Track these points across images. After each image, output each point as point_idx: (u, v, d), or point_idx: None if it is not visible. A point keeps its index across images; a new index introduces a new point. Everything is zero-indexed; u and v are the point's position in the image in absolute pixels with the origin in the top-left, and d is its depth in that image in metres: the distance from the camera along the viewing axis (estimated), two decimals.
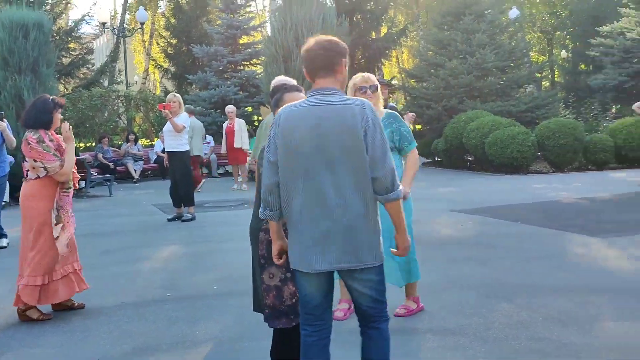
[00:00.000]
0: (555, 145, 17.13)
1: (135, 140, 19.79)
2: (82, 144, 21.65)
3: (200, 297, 6.40)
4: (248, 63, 23.91)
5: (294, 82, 5.22)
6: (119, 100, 22.84)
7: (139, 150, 19.40)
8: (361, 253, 3.27)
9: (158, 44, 33.64)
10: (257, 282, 4.06)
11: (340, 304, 5.58)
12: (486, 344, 4.83)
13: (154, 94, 28.07)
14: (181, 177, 10.97)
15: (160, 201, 13.37)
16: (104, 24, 26.01)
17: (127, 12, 35.55)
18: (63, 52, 24.22)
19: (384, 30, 27.18)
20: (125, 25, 30.20)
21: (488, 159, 17.57)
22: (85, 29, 30.25)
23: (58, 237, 5.71)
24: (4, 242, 9.04)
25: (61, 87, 24.10)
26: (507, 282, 6.50)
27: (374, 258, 3.30)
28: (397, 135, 5.36)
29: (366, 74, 5.48)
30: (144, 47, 39.27)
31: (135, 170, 18.65)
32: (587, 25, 30.33)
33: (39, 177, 5.71)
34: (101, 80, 26.03)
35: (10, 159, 9.62)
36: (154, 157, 19.06)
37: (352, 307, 5.44)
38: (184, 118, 10.84)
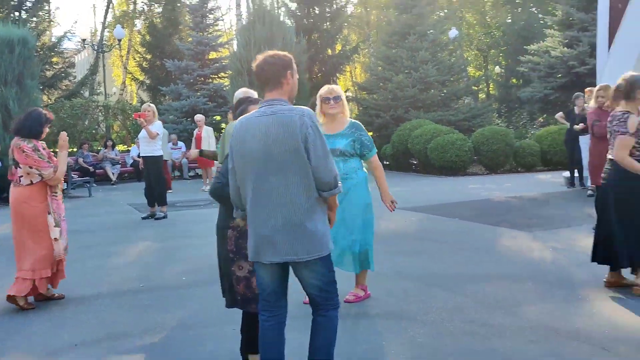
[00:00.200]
0: (489, 150, 17.34)
1: (113, 146, 19.60)
2: None
3: (171, 287, 6.37)
4: (216, 76, 23.90)
5: (255, 94, 5.27)
6: (99, 110, 22.65)
7: (116, 155, 19.21)
8: (307, 246, 3.29)
9: (134, 58, 33.24)
10: (223, 274, 4.09)
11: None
12: (425, 326, 4.89)
13: (130, 104, 27.76)
14: (155, 179, 10.92)
15: (135, 201, 13.25)
16: (84, 40, 25.69)
17: (106, 29, 35.14)
18: (46, 66, 23.86)
19: (338, 47, 27.18)
20: (104, 42, 29.91)
21: (430, 162, 17.69)
22: (67, 44, 30.01)
23: (57, 238, 5.75)
24: None
25: (45, 98, 23.66)
26: (445, 272, 6.57)
27: (319, 251, 3.32)
28: (359, 143, 5.37)
29: (331, 86, 5.51)
30: (122, 62, 38.74)
31: (113, 173, 18.44)
32: (517, 44, 30.76)
33: (32, 182, 5.72)
34: (82, 92, 25.64)
35: None
36: (130, 161, 18.91)
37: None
38: (157, 126, 10.78)
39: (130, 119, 22.00)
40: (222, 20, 40.90)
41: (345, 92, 29.41)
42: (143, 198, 11.35)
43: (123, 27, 30.78)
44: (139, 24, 37.34)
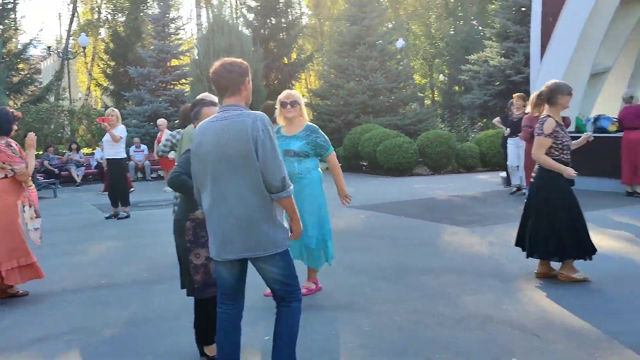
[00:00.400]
0: (433, 153, 17.51)
1: (78, 149, 19.19)
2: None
3: (132, 283, 6.28)
4: (177, 83, 23.73)
5: (215, 98, 5.24)
6: (64, 114, 22.29)
7: (80, 158, 18.82)
8: (262, 243, 3.28)
9: (98, 65, 32.73)
10: (182, 265, 4.08)
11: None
12: (372, 317, 4.92)
13: (95, 108, 27.24)
14: (118, 180, 10.78)
15: (99, 201, 13.07)
16: (49, 47, 25.18)
17: (71, 37, 34.40)
18: (13, 72, 23.44)
19: (294, 56, 27.16)
20: (69, 49, 29.29)
21: (379, 164, 17.79)
22: (34, 51, 29.27)
23: (38, 228, 5.71)
24: None
25: (11, 103, 23.17)
26: (390, 265, 6.61)
27: (274, 247, 3.31)
28: (313, 145, 5.38)
29: (289, 91, 5.52)
30: (86, 68, 38.03)
31: (77, 175, 18.09)
32: (459, 54, 31.16)
33: (6, 176, 5.62)
34: (47, 97, 25.16)
35: None
36: (94, 163, 18.55)
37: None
38: (121, 130, 10.64)
39: (94, 123, 21.67)
40: (183, 29, 40.67)
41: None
42: (106, 198, 11.18)
43: (87, 36, 30.30)
44: (103, 32, 36.73)
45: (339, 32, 24.82)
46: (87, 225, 10.30)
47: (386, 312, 5.03)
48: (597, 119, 12.37)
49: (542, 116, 5.69)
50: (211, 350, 4.08)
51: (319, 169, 5.56)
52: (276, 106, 5.54)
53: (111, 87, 29.55)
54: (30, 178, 5.90)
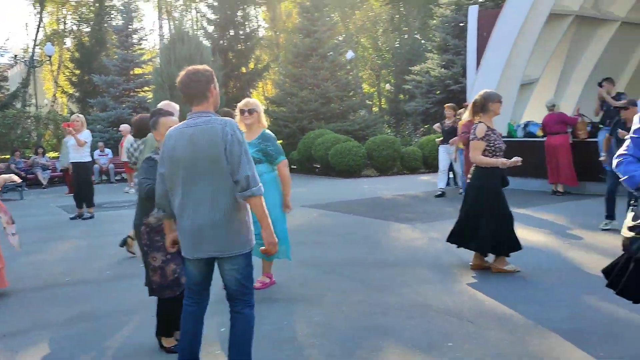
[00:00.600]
0: (380, 156, 17.60)
1: (44, 153, 18.67)
2: None
3: (95, 281, 6.13)
4: (140, 90, 23.35)
5: (176, 106, 5.20)
6: (30, 120, 21.71)
7: (47, 161, 18.32)
8: (228, 243, 3.22)
9: (64, 73, 32.02)
10: (146, 268, 4.03)
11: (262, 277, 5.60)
12: (321, 308, 4.94)
13: (60, 114, 26.62)
14: (83, 182, 10.56)
15: (64, 203, 12.75)
16: (16, 56, 24.45)
17: (37, 46, 33.46)
18: None
19: (251, 65, 27.02)
20: (35, 58, 28.54)
21: (331, 166, 17.81)
22: (1, 60, 28.33)
23: (15, 233, 5.51)
24: None
25: None
26: (340, 260, 6.64)
27: (240, 247, 3.26)
28: (264, 152, 5.33)
29: (248, 100, 5.50)
30: (52, 76, 37.07)
31: (43, 178, 17.62)
32: (403, 65, 31.48)
33: None
34: (14, 103, 24.45)
35: None
36: (60, 166, 18.10)
37: (271, 280, 5.54)
38: (85, 134, 10.40)
39: (60, 128, 21.18)
40: (146, 40, 39.99)
41: None
42: (71, 200, 10.93)
43: (53, 45, 29.51)
44: (68, 41, 35.87)
45: (293, 44, 24.78)
46: (53, 226, 10.02)
47: (335, 303, 5.05)
48: (526, 124, 12.71)
49: (476, 122, 5.82)
50: (168, 342, 4.05)
51: (275, 172, 5.50)
52: (235, 113, 5.49)
53: (76, 94, 28.90)
54: None
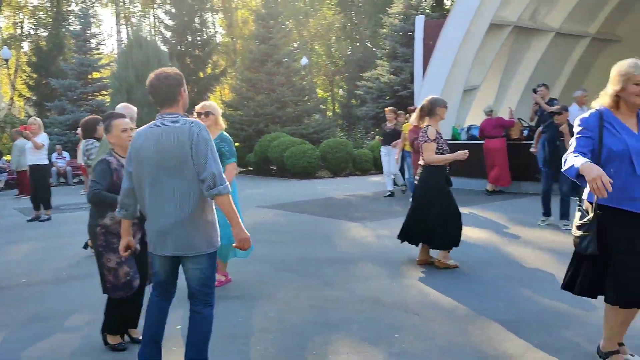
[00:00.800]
0: (333, 158, 17.66)
1: (0, 156, 18.04)
2: None
3: (52, 282, 5.95)
4: (98, 94, 22.74)
5: (134, 109, 5.12)
6: None
7: (3, 164, 17.69)
8: (193, 243, 3.16)
9: (21, 77, 30.97)
10: (100, 266, 3.95)
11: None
12: (276, 303, 4.93)
13: (18, 118, 25.74)
14: (40, 185, 10.23)
15: (21, 205, 12.34)
16: None
17: None
18: None
19: (209, 70, 26.82)
20: None
21: (286, 168, 17.78)
22: None
23: None
24: None
25: None
26: (294, 257, 6.65)
27: (205, 248, 3.19)
28: (219, 152, 5.30)
29: (204, 103, 5.48)
30: (9, 80, 35.80)
31: (0, 181, 17.03)
32: (355, 72, 31.64)
33: None
34: None
35: None
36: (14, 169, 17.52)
37: (226, 279, 5.44)
38: (43, 137, 10.07)
39: (18, 131, 20.45)
40: (104, 44, 39.08)
41: None
42: (28, 202, 10.58)
43: (10, 49, 28.51)
44: (25, 46, 34.74)
45: (249, 50, 24.66)
46: (10, 228, 9.67)
47: (289, 299, 5.05)
48: (469, 128, 12.99)
49: (425, 126, 5.91)
50: (114, 339, 4.01)
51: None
52: (193, 117, 5.44)
53: (34, 97, 28.04)
54: None
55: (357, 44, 37.62)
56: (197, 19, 25.88)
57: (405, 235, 6.12)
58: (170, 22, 25.60)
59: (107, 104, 20.73)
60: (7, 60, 24.82)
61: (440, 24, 14.20)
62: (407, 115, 11.98)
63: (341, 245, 7.33)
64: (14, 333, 4.43)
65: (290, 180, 17.07)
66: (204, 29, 26.24)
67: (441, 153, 5.81)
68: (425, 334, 4.11)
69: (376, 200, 11.51)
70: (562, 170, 3.22)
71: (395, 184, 12.64)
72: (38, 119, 10.51)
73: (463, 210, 8.97)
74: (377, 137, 15.23)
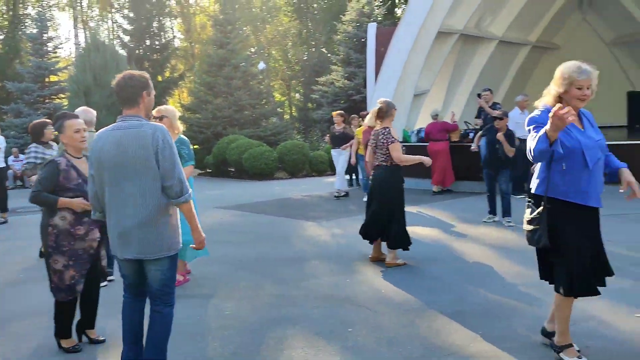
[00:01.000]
0: (290, 160, 17.68)
1: None
2: None
3: (8, 284, 5.77)
4: (55, 97, 22.12)
5: (94, 112, 5.02)
6: None
7: None
8: (154, 246, 3.10)
9: None
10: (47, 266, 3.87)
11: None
12: (233, 302, 4.90)
13: None
14: None
15: None
16: None
17: None
18: None
19: (167, 74, 26.43)
20: None
21: (244, 169, 17.69)
22: None
23: None
24: None
25: None
26: (251, 256, 6.61)
27: (166, 251, 3.14)
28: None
29: (159, 107, 5.37)
30: None
31: None
32: (311, 76, 31.71)
33: None
34: None
35: None
36: None
37: (185, 278, 5.42)
38: None
39: None
40: (62, 48, 37.96)
41: None
42: None
43: None
44: None
45: (207, 54, 24.41)
46: None
47: (246, 297, 5.02)
48: (419, 131, 13.19)
49: (384, 128, 5.94)
50: (67, 342, 3.92)
51: (192, 175, 5.41)
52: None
53: None
54: None
55: (313, 49, 37.71)
56: (155, 24, 25.49)
57: (367, 233, 6.15)
58: (128, 27, 25.11)
59: (65, 107, 20.20)
60: None
61: (391, 31, 14.39)
62: (360, 119, 12.06)
63: (297, 244, 7.33)
64: None
65: (248, 182, 16.98)
66: (162, 34, 25.89)
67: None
68: (376, 328, 4.16)
69: (331, 200, 11.56)
70: (534, 151, 3.13)
71: (351, 184, 12.74)
72: None
73: (411, 209, 9.14)
74: (325, 138, 15.26)
